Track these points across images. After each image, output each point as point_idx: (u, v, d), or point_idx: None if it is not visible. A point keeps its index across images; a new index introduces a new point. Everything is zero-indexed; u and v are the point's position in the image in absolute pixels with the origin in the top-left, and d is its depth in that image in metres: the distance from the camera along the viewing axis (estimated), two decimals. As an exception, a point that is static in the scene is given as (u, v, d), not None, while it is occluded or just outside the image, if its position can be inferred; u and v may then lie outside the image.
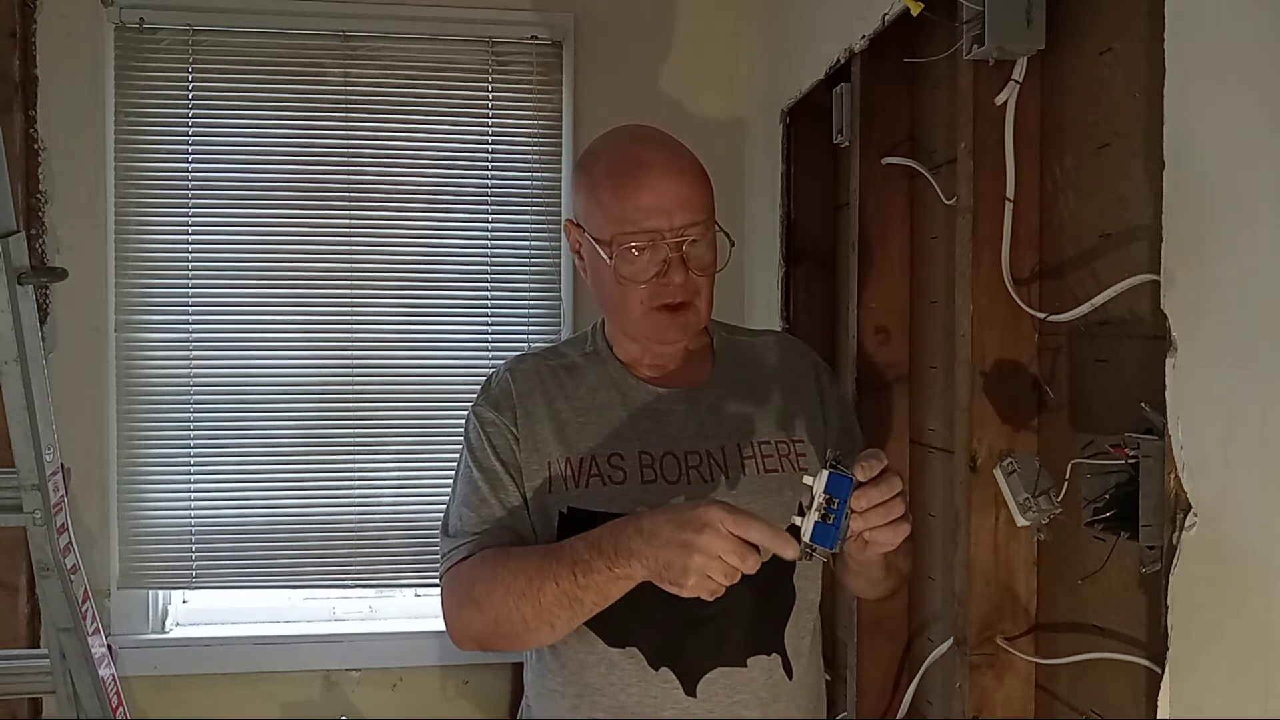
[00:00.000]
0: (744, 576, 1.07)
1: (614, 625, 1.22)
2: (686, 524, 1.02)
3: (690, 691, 1.22)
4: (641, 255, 1.22)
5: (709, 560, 1.01)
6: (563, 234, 2.66)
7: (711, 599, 1.05)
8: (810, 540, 1.05)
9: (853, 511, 1.05)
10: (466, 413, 1.34)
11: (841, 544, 1.06)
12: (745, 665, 1.24)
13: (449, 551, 1.26)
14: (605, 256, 1.23)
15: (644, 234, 1.21)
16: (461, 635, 1.24)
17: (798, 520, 1.06)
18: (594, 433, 1.27)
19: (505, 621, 1.16)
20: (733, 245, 1.29)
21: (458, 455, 1.34)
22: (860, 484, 1.05)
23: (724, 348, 1.39)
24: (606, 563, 1.09)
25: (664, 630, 1.22)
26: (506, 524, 1.25)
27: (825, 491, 1.04)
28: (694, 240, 1.23)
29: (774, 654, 1.26)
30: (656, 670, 1.22)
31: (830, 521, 1.04)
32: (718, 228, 1.27)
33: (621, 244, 1.22)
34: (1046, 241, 1.37)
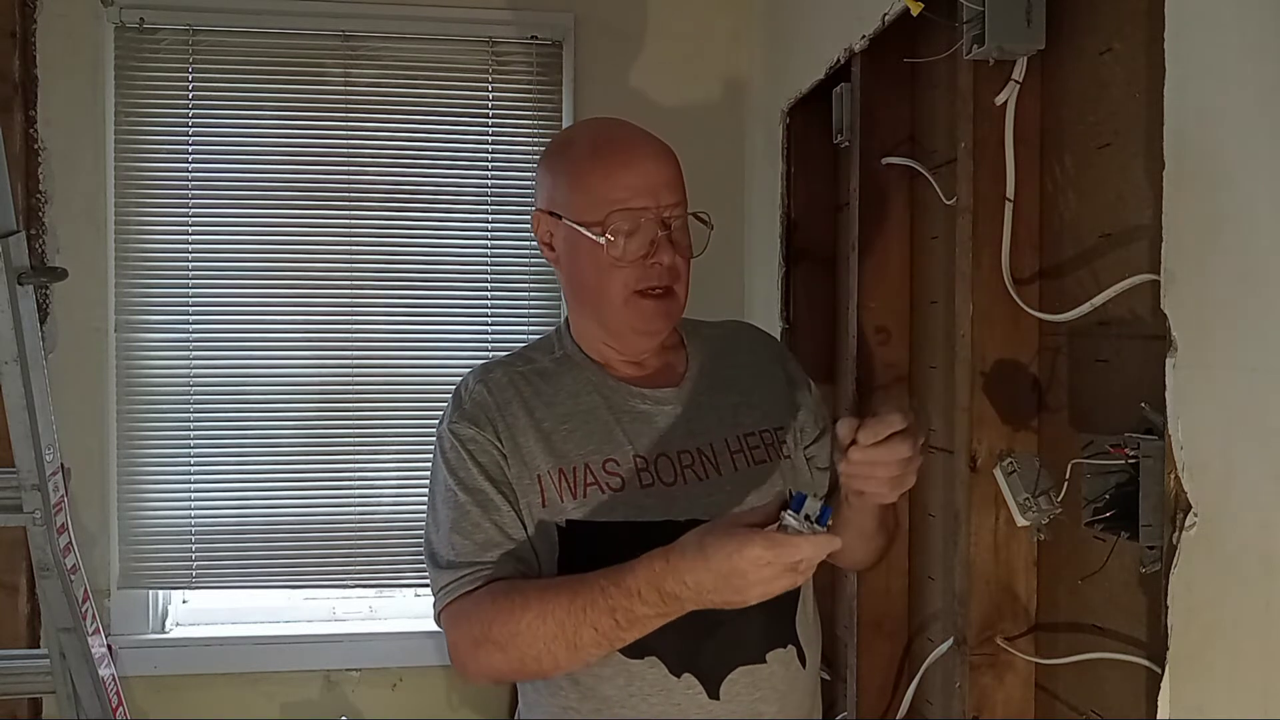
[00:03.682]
0: None
1: None
2: (730, 576, 1.02)
3: (713, 694, 1.21)
4: (632, 235, 1.21)
5: (769, 590, 1.03)
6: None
7: None
8: None
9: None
10: (437, 429, 1.28)
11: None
12: (765, 661, 1.23)
13: (446, 585, 1.20)
14: (594, 238, 1.21)
15: (635, 212, 1.20)
16: (477, 673, 1.20)
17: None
18: (582, 439, 1.24)
19: (534, 660, 1.13)
20: (711, 229, 1.29)
21: (429, 476, 1.28)
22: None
23: (694, 343, 1.37)
24: (655, 610, 1.07)
25: (684, 636, 1.19)
26: (506, 549, 1.21)
27: (802, 517, 1.02)
28: (678, 222, 1.23)
29: (789, 645, 1.26)
30: (679, 677, 1.20)
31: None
32: (694, 215, 1.27)
33: (614, 223, 1.20)
34: (1046, 241, 1.37)
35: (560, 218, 1.25)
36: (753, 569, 1.01)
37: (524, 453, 1.23)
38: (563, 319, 1.37)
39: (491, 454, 1.23)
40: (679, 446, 1.26)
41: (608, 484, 1.22)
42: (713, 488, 1.25)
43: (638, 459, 1.24)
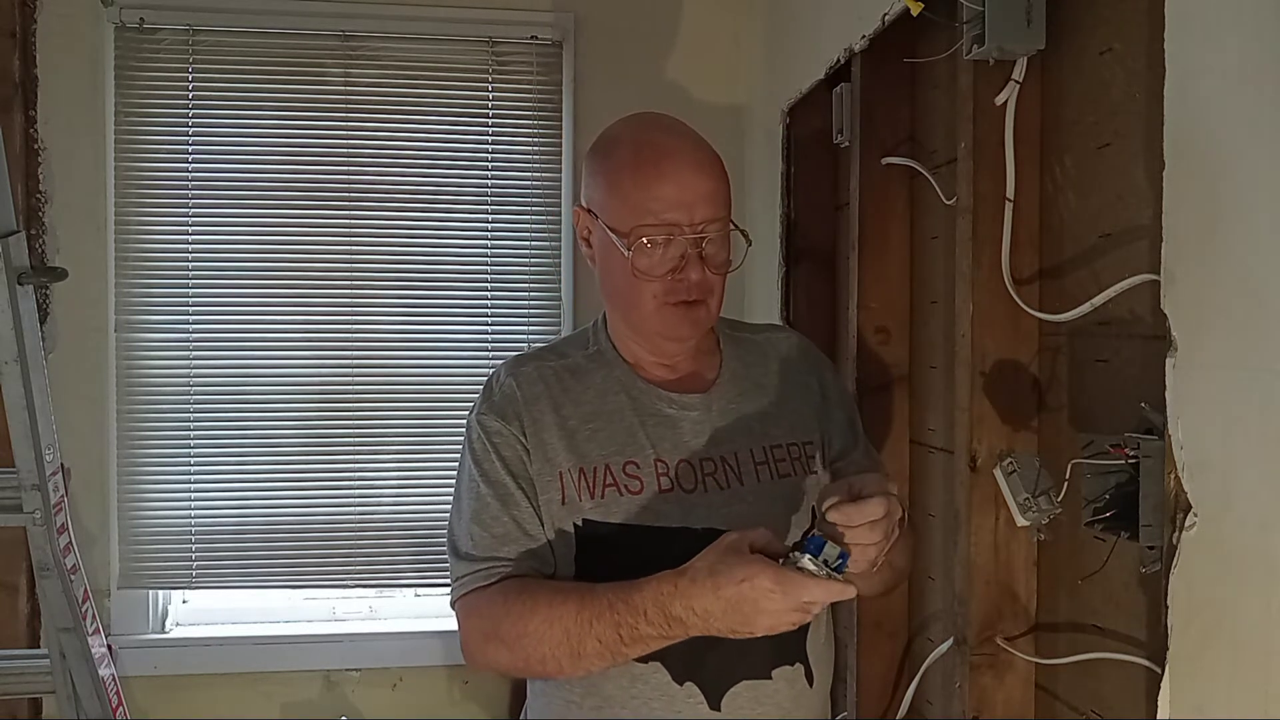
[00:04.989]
0: None
1: None
2: (739, 604, 1.04)
3: (715, 706, 1.20)
4: (660, 249, 1.19)
5: (776, 623, 1.05)
6: (564, 223, 2.66)
7: None
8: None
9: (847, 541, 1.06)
10: (467, 419, 1.29)
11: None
12: (770, 677, 1.22)
13: (463, 577, 1.22)
14: (621, 247, 1.20)
15: (664, 227, 1.18)
16: (484, 666, 1.23)
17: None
18: (605, 440, 1.24)
19: (539, 662, 1.16)
20: (749, 245, 1.27)
21: (457, 462, 1.30)
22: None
23: (730, 346, 1.35)
24: (659, 631, 1.09)
25: (691, 645, 1.17)
26: (522, 544, 1.22)
27: (817, 559, 1.03)
28: (712, 238, 1.21)
29: (797, 664, 1.25)
30: (681, 685, 1.20)
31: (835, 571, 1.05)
32: (734, 226, 1.25)
33: (640, 236, 1.18)
34: (1046, 241, 1.37)
35: (597, 217, 1.24)
36: (762, 598, 1.02)
37: (547, 450, 1.23)
38: (601, 314, 1.35)
39: (515, 449, 1.24)
40: (702, 454, 1.25)
41: (626, 486, 1.22)
42: (733, 497, 1.23)
43: (659, 463, 1.23)
